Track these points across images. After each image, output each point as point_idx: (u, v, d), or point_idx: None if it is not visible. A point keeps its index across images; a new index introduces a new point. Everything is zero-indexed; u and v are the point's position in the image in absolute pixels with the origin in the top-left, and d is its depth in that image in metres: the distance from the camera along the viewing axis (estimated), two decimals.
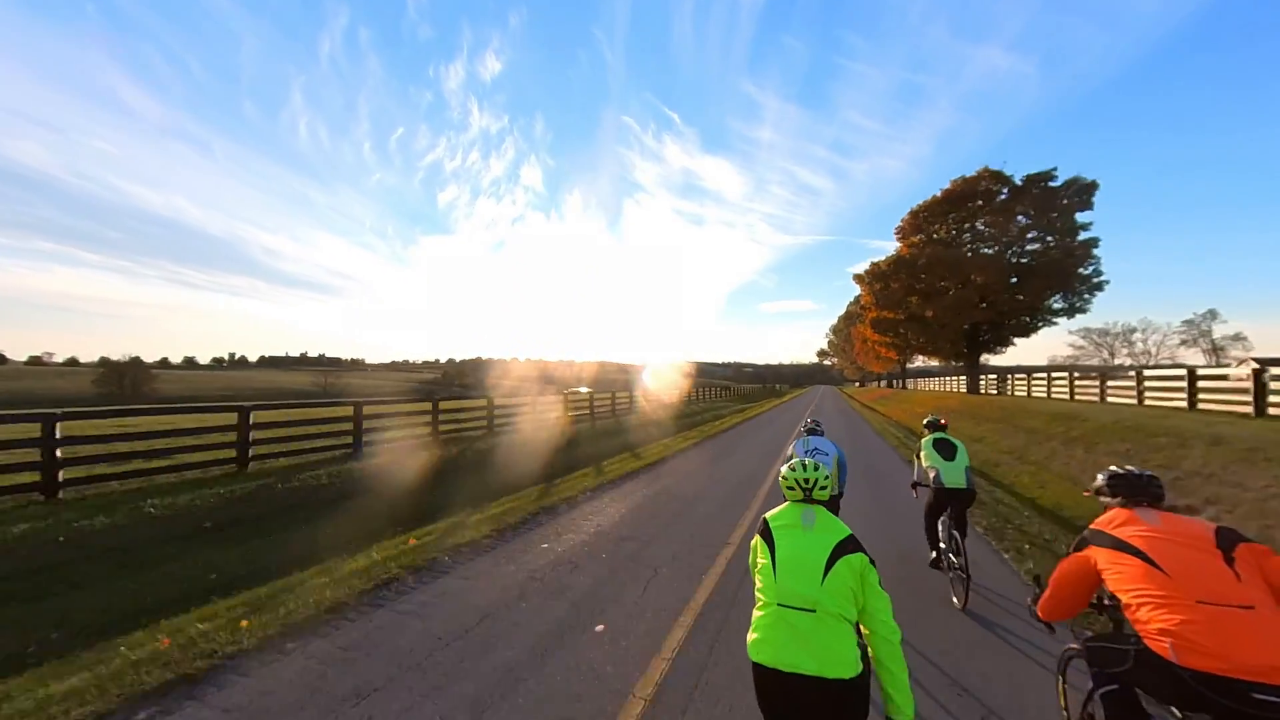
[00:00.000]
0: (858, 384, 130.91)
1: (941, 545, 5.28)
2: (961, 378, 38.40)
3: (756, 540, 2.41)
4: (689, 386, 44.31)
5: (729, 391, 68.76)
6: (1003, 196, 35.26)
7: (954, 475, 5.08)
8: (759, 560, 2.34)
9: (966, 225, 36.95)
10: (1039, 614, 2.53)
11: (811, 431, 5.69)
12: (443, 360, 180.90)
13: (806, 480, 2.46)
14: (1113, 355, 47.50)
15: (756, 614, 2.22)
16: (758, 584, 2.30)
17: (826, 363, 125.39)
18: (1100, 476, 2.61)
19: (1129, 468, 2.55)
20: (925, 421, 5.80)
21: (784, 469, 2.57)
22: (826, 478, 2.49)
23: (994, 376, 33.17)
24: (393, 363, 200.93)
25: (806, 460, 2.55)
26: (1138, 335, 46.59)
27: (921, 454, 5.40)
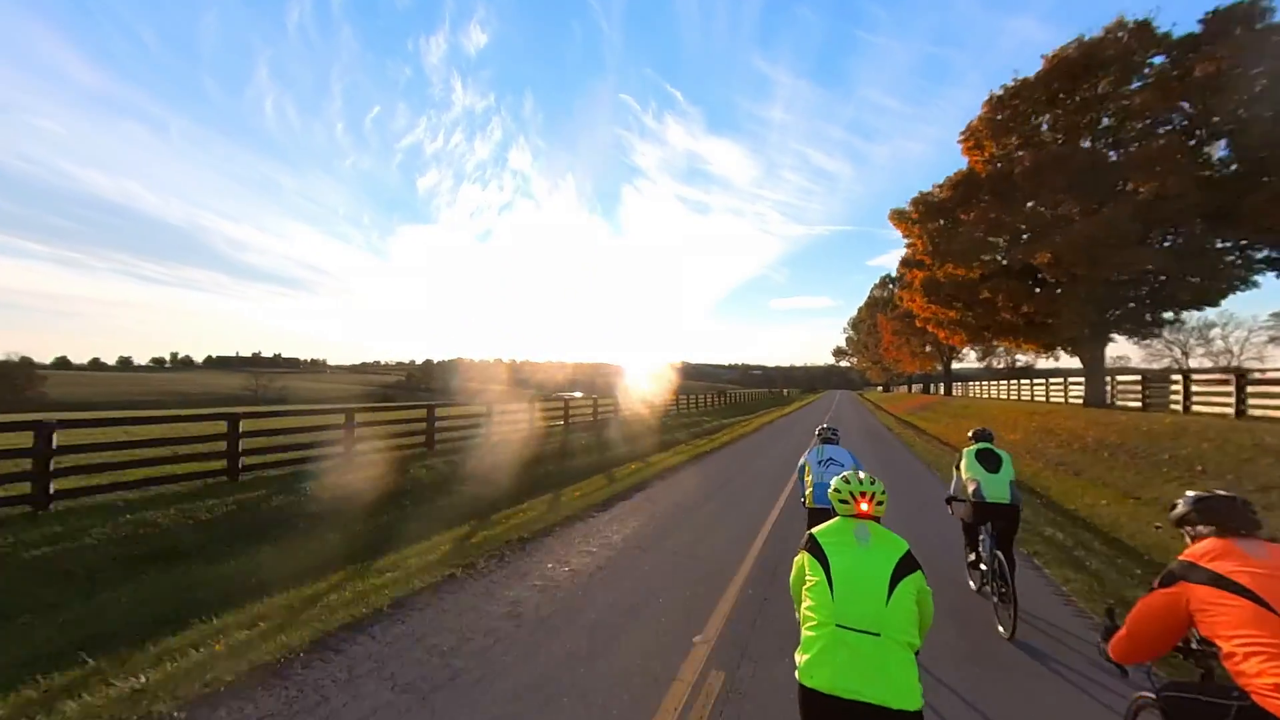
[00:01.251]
0: (880, 388, 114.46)
1: (983, 567, 4.95)
2: (1021, 383, 28.11)
3: (803, 558, 2.32)
4: (672, 394, 34.82)
5: (722, 399, 53.53)
6: (1160, 62, 19.65)
7: (996, 488, 4.82)
8: (809, 578, 2.23)
9: (1088, 118, 21.20)
10: (1111, 654, 2.27)
11: (827, 440, 5.26)
12: (419, 361, 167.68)
13: (861, 493, 2.40)
14: (1186, 355, 40.34)
15: (807, 634, 2.10)
16: (806, 603, 2.18)
17: (843, 364, 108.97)
18: (1182, 502, 2.34)
19: (1217, 491, 2.31)
20: (971, 433, 5.47)
21: (835, 483, 2.49)
22: (884, 491, 2.43)
23: (1134, 378, 18.82)
24: (363, 364, 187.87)
25: (862, 474, 2.49)
26: (1216, 331, 33.60)
27: (962, 464, 5.17)
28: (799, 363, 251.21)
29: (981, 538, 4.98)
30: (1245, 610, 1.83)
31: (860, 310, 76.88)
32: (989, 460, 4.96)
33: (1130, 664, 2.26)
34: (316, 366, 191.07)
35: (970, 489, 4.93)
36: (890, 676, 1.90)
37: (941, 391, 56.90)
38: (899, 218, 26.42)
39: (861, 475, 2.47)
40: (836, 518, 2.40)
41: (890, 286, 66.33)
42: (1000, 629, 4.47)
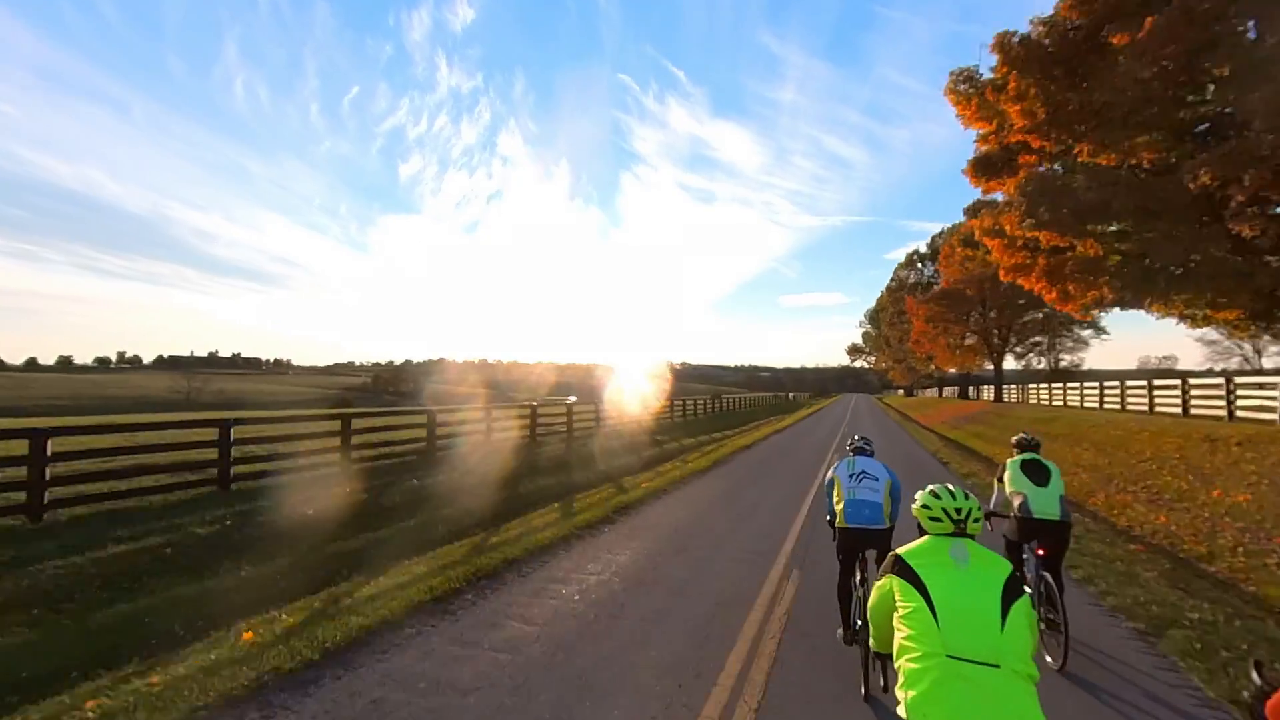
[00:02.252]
0: (900, 391, 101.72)
1: (1028, 590, 3.97)
2: (1085, 388, 22.91)
3: (893, 582, 2.13)
4: (664, 400, 29.59)
5: (717, 405, 42.06)
6: None
7: (1045, 504, 4.43)
8: (902, 605, 2.05)
9: None
10: (1269, 716, 1.88)
11: (859, 450, 4.59)
12: (399, 362, 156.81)
13: (958, 510, 2.24)
14: (1259, 353, 34.99)
15: (910, 666, 1.91)
16: (904, 632, 1.99)
17: (859, 364, 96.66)
18: None
19: None
20: (1015, 439, 5.04)
21: (923, 497, 2.34)
22: (979, 508, 2.28)
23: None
24: (335, 365, 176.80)
25: (951, 487, 2.33)
26: None
27: (1005, 477, 4.74)
28: (810, 364, 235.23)
29: (1025, 557, 4.64)
30: None
31: (881, 297, 64.51)
32: (1036, 472, 4.59)
33: None
34: (279, 367, 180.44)
35: (1015, 504, 4.57)
36: (1015, 712, 1.75)
37: (986, 396, 44.93)
38: (966, 87, 14.67)
39: (954, 489, 2.31)
40: (927, 537, 2.24)
41: (920, 266, 54.36)
42: (1049, 659, 4.22)
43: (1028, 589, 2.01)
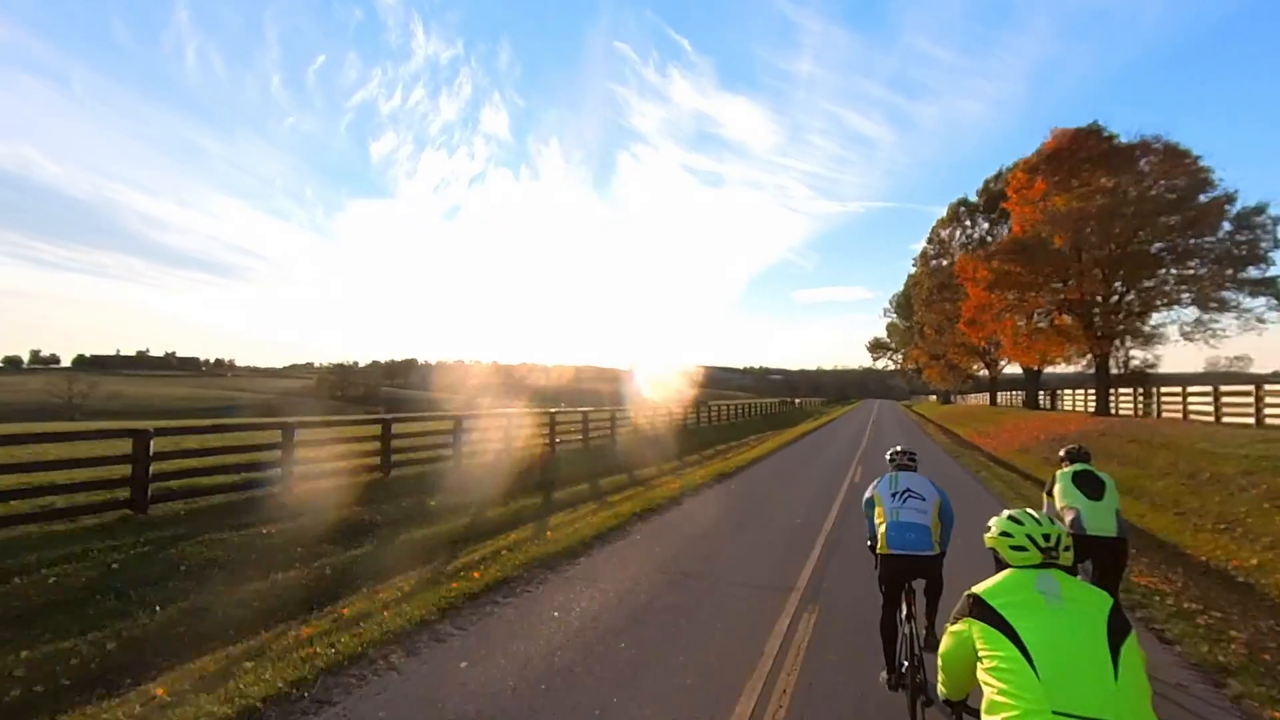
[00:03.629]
0: (932, 397, 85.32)
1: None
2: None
3: (972, 627, 1.84)
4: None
5: (707, 417, 27.43)
6: None
7: (1099, 518, 4.15)
8: (988, 654, 1.76)
9: None
10: None
11: (902, 466, 4.19)
12: (364, 362, 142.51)
13: (1045, 536, 1.93)
14: None
15: None
16: (996, 686, 1.70)
17: (882, 364, 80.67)
18: None
19: None
20: (1064, 451, 4.78)
21: (1001, 524, 2.04)
22: (1069, 534, 2.00)
23: None
24: (292, 366, 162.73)
25: (1034, 512, 2.05)
26: None
27: (1055, 490, 4.48)
28: (828, 365, 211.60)
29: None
30: None
31: (915, 273, 48.40)
32: (1089, 484, 4.33)
33: None
34: (219, 368, 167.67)
35: (1067, 519, 4.29)
36: None
37: (1068, 405, 29.59)
38: None
39: (1038, 515, 2.02)
40: (1008, 570, 1.93)
41: (968, 223, 39.05)
42: None
43: (1132, 629, 1.64)
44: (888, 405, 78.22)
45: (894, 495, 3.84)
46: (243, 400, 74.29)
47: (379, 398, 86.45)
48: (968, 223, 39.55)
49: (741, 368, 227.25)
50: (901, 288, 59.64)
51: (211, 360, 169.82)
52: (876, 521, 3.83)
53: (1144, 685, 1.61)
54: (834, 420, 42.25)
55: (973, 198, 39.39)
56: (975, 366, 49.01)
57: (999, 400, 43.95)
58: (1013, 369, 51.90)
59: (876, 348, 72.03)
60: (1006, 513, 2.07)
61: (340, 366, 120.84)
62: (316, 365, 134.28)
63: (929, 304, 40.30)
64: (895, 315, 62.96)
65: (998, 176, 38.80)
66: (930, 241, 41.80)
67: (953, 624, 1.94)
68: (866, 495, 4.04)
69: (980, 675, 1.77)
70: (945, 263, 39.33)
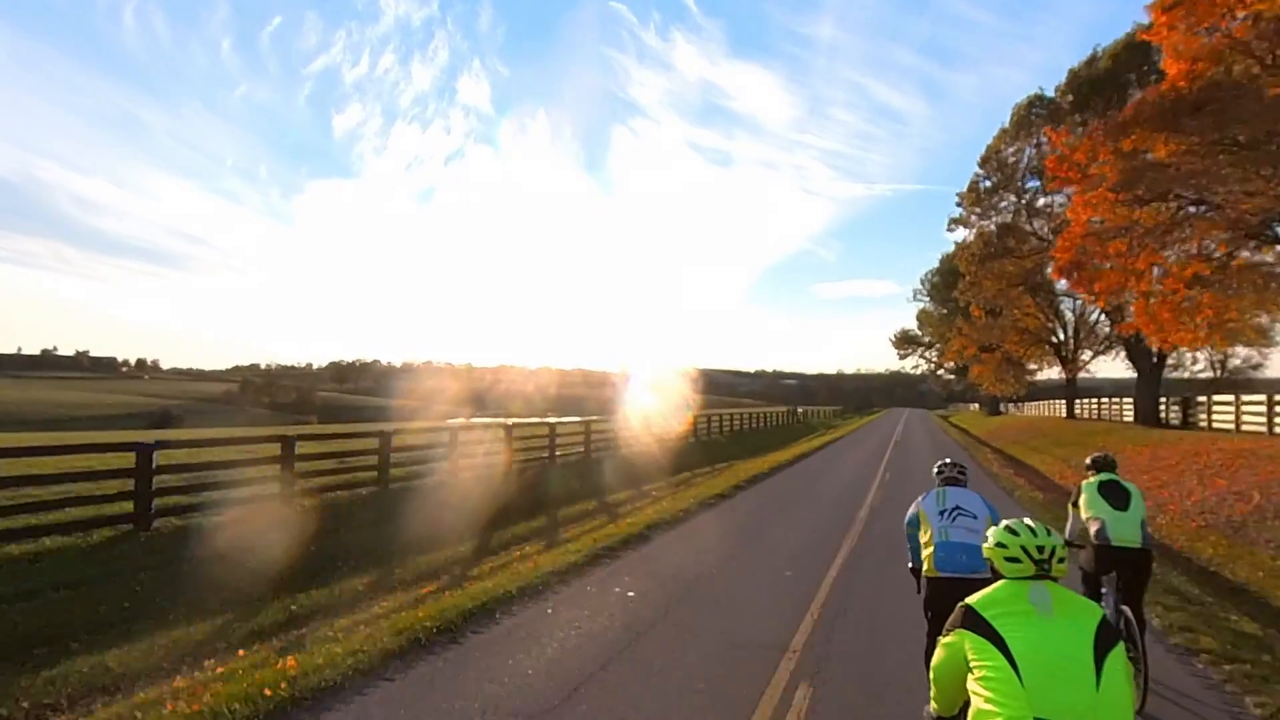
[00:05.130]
0: (974, 406, 70.07)
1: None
2: None
3: (963, 638, 1.83)
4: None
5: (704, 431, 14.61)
6: None
7: (1125, 530, 4.05)
8: (978, 664, 1.76)
9: None
10: None
11: (950, 480, 3.97)
12: (320, 364, 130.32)
13: (1039, 548, 1.89)
14: None
15: None
16: (983, 695, 1.71)
17: (911, 364, 66.00)
18: None
19: None
20: (1090, 460, 4.63)
21: (997, 534, 2.01)
22: (1064, 546, 1.95)
23: None
24: (235, 367, 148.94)
25: (1030, 521, 2.02)
26: None
27: (1081, 500, 4.33)
28: (849, 368, 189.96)
29: (1104, 590, 4.25)
30: None
31: (956, 251, 33.54)
32: (1115, 495, 4.21)
33: None
34: (140, 370, 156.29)
35: (1092, 530, 4.20)
36: None
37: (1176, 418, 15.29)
38: None
39: (1034, 525, 1.99)
40: (1002, 581, 1.95)
41: (1067, 127, 24.93)
42: None
43: (1120, 640, 1.69)
44: (917, 416, 63.21)
45: (942, 513, 3.71)
46: (137, 406, 62.96)
47: (313, 405, 74.47)
48: (1045, 138, 25.47)
49: (752, 371, 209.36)
50: (938, 265, 45.42)
51: (133, 361, 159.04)
52: (922, 541, 3.75)
53: (1127, 695, 1.65)
54: (843, 438, 28.66)
55: (1050, 93, 25.30)
56: (1045, 361, 34.64)
57: (1101, 407, 29.50)
58: (1048, 372, 36.03)
59: (904, 342, 57.68)
60: (1004, 523, 2.05)
61: (269, 369, 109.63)
62: (264, 367, 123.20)
63: (984, 261, 26.00)
64: (929, 299, 48.61)
65: (1092, 60, 24.81)
66: (985, 166, 27.42)
67: (944, 636, 1.96)
68: (910, 513, 3.93)
69: (970, 685, 1.79)
70: (1011, 199, 25.31)
